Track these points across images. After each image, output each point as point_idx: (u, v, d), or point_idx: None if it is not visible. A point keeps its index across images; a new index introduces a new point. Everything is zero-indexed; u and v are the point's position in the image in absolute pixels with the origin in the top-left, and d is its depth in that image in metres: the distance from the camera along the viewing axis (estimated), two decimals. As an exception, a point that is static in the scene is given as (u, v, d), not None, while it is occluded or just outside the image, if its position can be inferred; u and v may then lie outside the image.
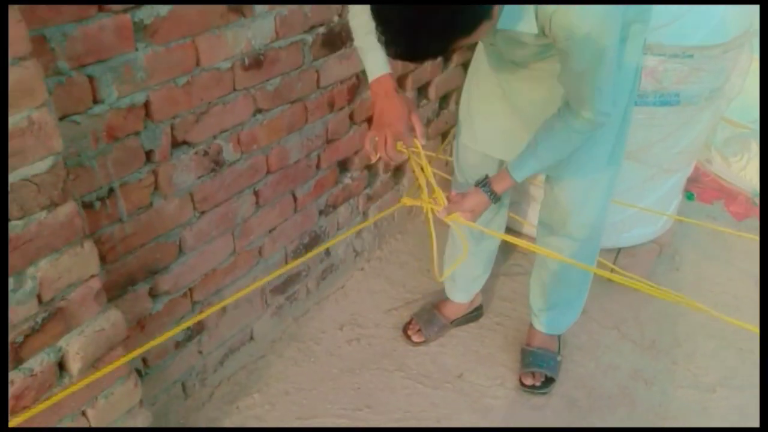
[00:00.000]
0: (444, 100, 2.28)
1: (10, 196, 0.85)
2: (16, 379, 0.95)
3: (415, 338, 1.90)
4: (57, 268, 0.95)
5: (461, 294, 1.92)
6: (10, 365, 0.93)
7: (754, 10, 1.89)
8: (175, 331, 1.20)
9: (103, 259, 1.22)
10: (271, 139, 1.55)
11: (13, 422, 0.94)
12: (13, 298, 0.90)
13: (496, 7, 1.07)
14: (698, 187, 2.77)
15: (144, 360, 1.45)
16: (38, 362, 0.97)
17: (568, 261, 1.57)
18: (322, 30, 1.57)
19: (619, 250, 2.18)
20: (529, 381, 1.78)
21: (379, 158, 1.34)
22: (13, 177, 0.85)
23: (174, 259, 1.41)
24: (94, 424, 1.10)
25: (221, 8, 1.28)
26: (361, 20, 1.31)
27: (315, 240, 1.89)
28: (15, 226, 0.87)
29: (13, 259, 0.88)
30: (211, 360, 1.66)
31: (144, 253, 1.33)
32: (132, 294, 1.34)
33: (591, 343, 1.94)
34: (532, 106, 1.43)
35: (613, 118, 1.42)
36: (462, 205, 1.40)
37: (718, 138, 2.87)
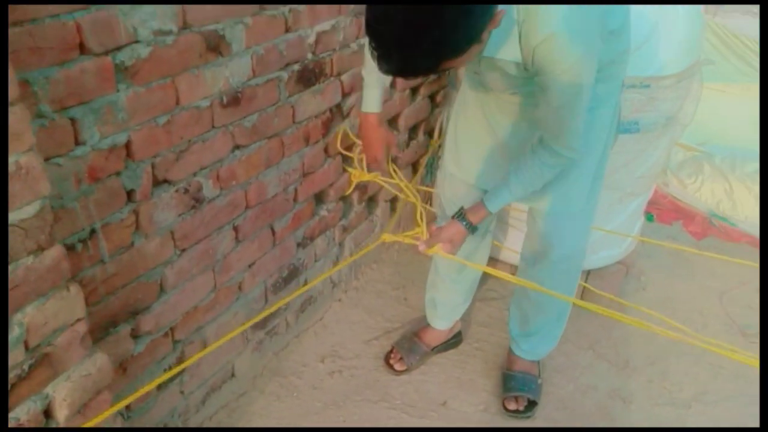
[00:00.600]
0: (413, 130, 2.33)
1: (-2, 242, 0.84)
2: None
3: (397, 366, 1.90)
4: (44, 313, 0.94)
5: (442, 321, 1.94)
6: (-5, 416, 0.90)
7: (703, 40, 2.01)
8: (163, 378, 1.19)
9: (85, 301, 1.19)
10: (250, 174, 1.57)
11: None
12: (-1, 346, 0.88)
13: (486, 32, 1.10)
14: (657, 209, 2.87)
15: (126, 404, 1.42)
16: (25, 411, 0.94)
17: (549, 293, 1.57)
18: (296, 67, 1.60)
19: (588, 272, 2.25)
20: (512, 406, 1.79)
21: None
22: None
23: (155, 299, 1.40)
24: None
25: (200, 48, 1.30)
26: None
27: (294, 273, 1.89)
28: (1, 272, 0.86)
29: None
30: (192, 400, 1.63)
31: (126, 293, 1.31)
32: (114, 336, 1.31)
33: (568, 365, 1.98)
34: (514, 138, 1.49)
35: (594, 154, 1.49)
36: (440, 236, 1.45)
37: (673, 162, 3.00)
